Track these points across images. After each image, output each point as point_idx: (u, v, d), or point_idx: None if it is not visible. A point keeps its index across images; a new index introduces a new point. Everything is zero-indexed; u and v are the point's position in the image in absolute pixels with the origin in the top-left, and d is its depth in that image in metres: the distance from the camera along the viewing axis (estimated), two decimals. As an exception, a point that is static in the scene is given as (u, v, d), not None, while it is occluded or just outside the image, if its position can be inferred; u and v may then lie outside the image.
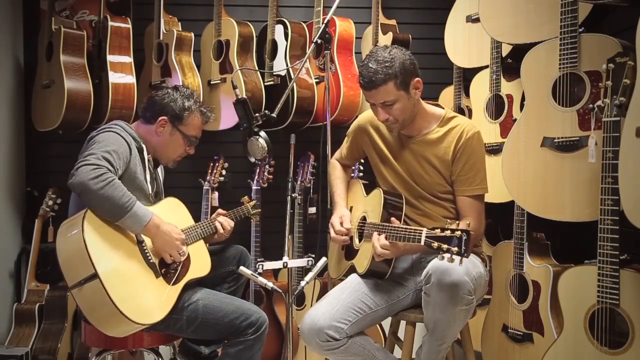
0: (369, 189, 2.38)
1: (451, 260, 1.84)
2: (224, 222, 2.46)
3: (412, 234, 1.97)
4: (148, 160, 2.32)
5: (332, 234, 2.30)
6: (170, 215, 2.30)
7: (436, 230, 1.89)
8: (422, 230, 1.93)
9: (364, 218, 2.29)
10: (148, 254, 2.14)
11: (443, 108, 2.30)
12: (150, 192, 2.31)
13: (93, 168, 1.99)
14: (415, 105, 2.20)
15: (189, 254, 2.28)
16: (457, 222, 1.92)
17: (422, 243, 1.92)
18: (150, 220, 2.09)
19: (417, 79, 2.16)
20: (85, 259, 1.96)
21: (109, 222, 2.07)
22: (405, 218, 2.21)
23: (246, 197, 2.70)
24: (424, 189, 2.27)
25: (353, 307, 2.15)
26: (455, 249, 1.83)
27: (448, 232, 1.87)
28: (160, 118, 2.33)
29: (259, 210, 2.71)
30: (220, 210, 2.54)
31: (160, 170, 2.50)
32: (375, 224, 2.16)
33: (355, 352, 2.14)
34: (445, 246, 1.85)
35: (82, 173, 1.99)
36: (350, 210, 2.41)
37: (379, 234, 2.08)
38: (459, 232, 1.84)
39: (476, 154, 2.21)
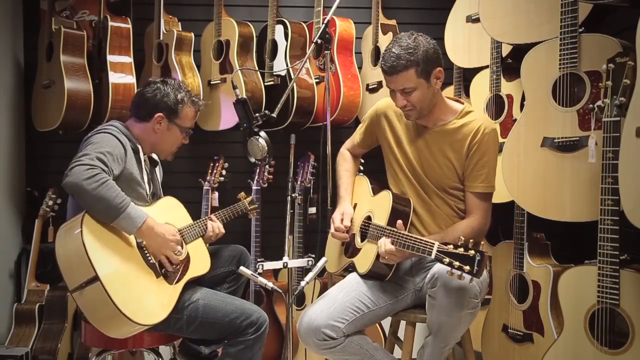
0: (375, 188, 2.37)
1: (461, 277, 1.83)
2: (215, 225, 2.44)
3: (422, 245, 1.96)
4: (144, 160, 2.32)
5: (332, 229, 2.30)
6: (168, 214, 2.29)
7: (449, 246, 1.87)
8: (434, 244, 1.92)
9: (369, 218, 2.29)
10: (148, 255, 2.13)
11: (463, 103, 2.29)
12: (148, 192, 2.31)
13: (87, 168, 1.99)
14: (434, 95, 2.18)
15: (188, 253, 2.28)
16: (471, 240, 1.87)
17: (433, 257, 1.90)
18: (144, 222, 2.07)
19: (438, 68, 2.15)
20: (85, 262, 1.95)
21: (107, 224, 2.06)
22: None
23: (243, 194, 2.70)
24: (433, 182, 2.25)
25: (350, 306, 2.15)
26: (467, 267, 1.81)
27: (461, 250, 1.84)
28: (156, 115, 2.31)
29: (256, 205, 2.71)
30: (212, 216, 2.49)
31: (158, 171, 2.50)
32: (382, 227, 2.15)
33: (352, 352, 2.14)
34: (457, 263, 1.83)
35: (75, 173, 1.98)
36: (355, 207, 2.40)
37: (388, 239, 2.07)
38: (472, 252, 1.82)
39: (490, 151, 2.20)
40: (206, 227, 2.42)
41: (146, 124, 2.33)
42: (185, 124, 2.38)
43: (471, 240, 1.86)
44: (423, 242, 1.97)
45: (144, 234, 2.10)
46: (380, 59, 2.16)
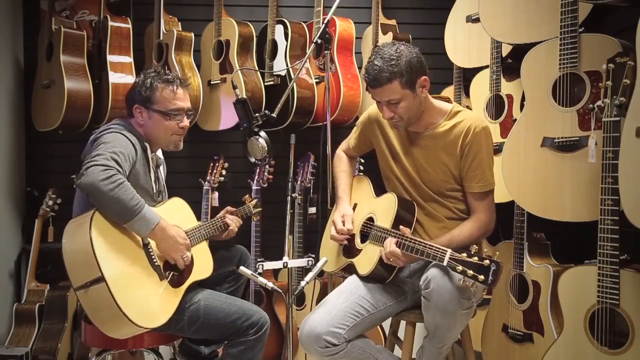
0: (377, 189, 2.37)
1: (473, 286, 1.81)
2: (235, 221, 2.49)
3: (434, 251, 1.95)
4: (152, 158, 2.32)
5: (333, 232, 2.29)
6: (175, 216, 2.29)
7: (462, 254, 1.85)
8: (446, 251, 1.90)
9: (371, 219, 2.28)
10: (153, 257, 2.13)
11: (451, 102, 2.28)
12: (154, 191, 2.31)
13: (103, 169, 1.98)
14: (421, 104, 2.16)
15: (192, 256, 2.27)
16: (485, 250, 1.87)
17: (445, 264, 1.89)
18: (157, 224, 2.08)
19: (423, 77, 2.13)
20: (92, 261, 1.95)
21: (116, 224, 2.06)
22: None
23: (247, 196, 2.71)
24: (430, 187, 2.25)
25: (350, 312, 2.14)
26: (482, 277, 1.79)
27: (475, 259, 1.82)
28: (134, 108, 2.30)
29: (260, 209, 2.72)
30: (229, 208, 2.55)
31: (162, 169, 2.50)
32: (389, 230, 2.15)
33: (355, 356, 2.13)
34: (470, 272, 1.81)
35: (92, 174, 1.97)
36: (355, 207, 2.40)
37: (393, 240, 2.07)
38: (487, 261, 1.80)
39: (483, 150, 2.18)
40: (223, 227, 2.46)
41: (134, 120, 2.32)
42: (165, 108, 2.28)
43: (485, 250, 1.84)
44: (434, 248, 1.95)
45: (156, 235, 2.10)
46: (364, 71, 2.13)
